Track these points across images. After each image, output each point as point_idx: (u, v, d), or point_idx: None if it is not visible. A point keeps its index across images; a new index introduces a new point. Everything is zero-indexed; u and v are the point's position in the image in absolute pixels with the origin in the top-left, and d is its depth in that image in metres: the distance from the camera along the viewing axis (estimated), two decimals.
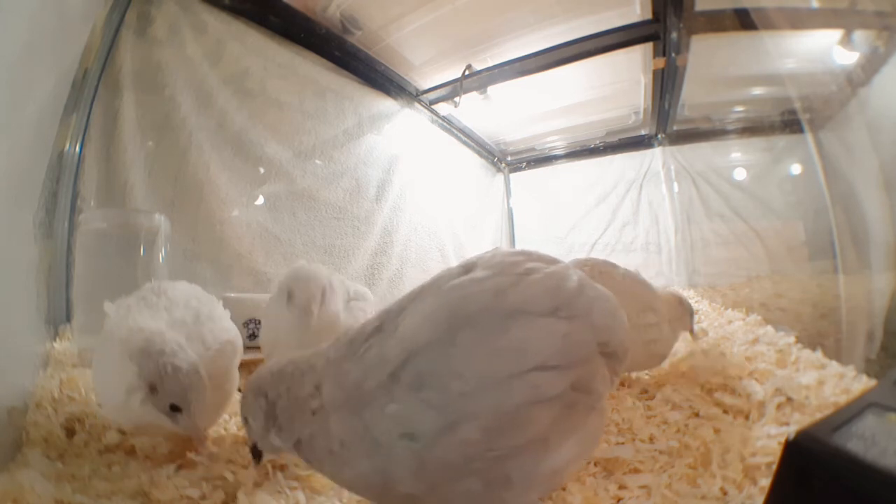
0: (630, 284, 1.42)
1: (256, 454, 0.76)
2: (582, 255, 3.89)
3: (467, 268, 0.71)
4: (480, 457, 0.58)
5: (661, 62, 2.57)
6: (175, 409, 0.87)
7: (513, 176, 4.29)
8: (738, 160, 3.37)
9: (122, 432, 1.16)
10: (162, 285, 1.09)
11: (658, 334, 1.39)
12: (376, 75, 2.72)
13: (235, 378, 1.14)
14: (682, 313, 1.48)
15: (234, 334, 1.12)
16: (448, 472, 0.59)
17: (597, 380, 0.67)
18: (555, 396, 0.60)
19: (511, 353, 0.60)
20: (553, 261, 0.74)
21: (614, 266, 1.49)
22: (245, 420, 0.74)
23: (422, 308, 0.64)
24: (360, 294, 1.37)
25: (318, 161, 2.51)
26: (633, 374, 1.51)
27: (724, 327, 2.10)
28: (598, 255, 3.84)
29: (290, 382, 0.69)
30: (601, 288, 0.76)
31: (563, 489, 0.87)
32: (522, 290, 0.64)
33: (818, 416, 1.09)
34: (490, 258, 0.72)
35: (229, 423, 1.23)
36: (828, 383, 1.28)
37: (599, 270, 1.42)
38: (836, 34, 2.01)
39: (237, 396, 1.16)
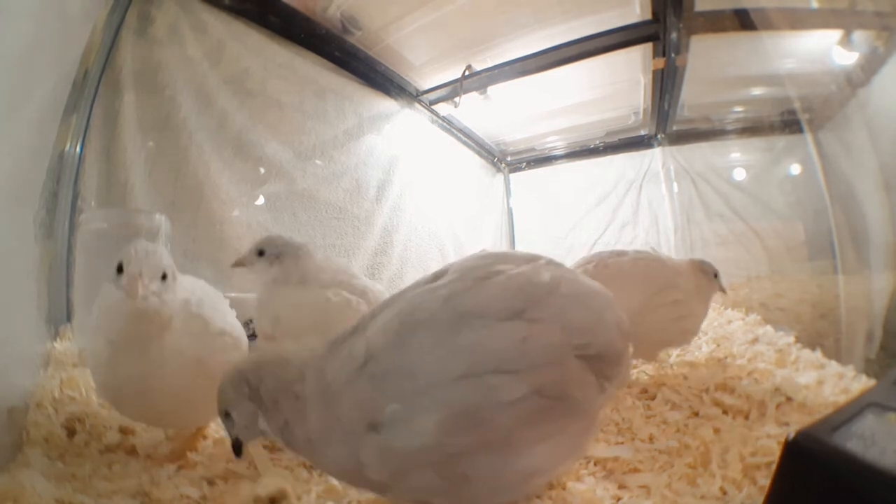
0: (642, 267, 1.40)
1: (238, 449, 0.77)
2: (582, 255, 3.91)
3: (438, 274, 0.72)
4: (436, 451, 0.59)
5: (660, 62, 2.57)
6: (119, 270, 0.87)
7: (513, 176, 4.29)
8: (737, 160, 3.38)
9: (122, 432, 1.16)
10: None
11: (687, 310, 1.37)
12: (376, 75, 2.72)
13: None
14: (706, 279, 1.46)
15: (237, 330, 1.12)
16: (406, 464, 0.61)
17: (572, 385, 0.64)
18: (515, 400, 0.59)
19: (463, 355, 0.60)
20: (528, 260, 0.73)
21: (622, 253, 1.47)
22: (226, 415, 0.74)
23: (387, 313, 0.68)
24: (362, 290, 1.33)
25: (318, 161, 2.51)
26: (634, 374, 1.51)
27: (723, 327, 2.10)
28: None
29: (274, 368, 0.72)
30: (588, 285, 0.73)
31: (563, 489, 0.87)
32: (475, 295, 0.65)
33: (818, 415, 1.10)
34: (460, 264, 0.73)
35: None
36: (827, 383, 1.29)
37: (605, 264, 1.41)
38: (835, 34, 2.01)
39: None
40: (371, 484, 0.67)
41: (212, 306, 1.07)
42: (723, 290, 1.52)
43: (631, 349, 0.79)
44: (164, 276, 0.90)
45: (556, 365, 0.63)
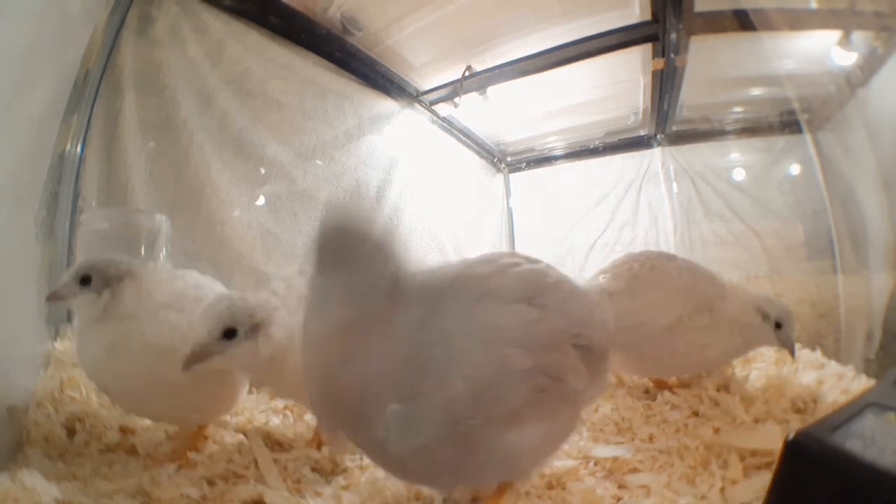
0: (687, 281, 1.26)
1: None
2: (580, 256, 3.90)
3: (467, 261, 0.80)
4: (462, 420, 0.63)
5: (660, 63, 2.57)
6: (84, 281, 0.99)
7: (512, 176, 4.29)
8: (736, 161, 3.38)
9: (123, 431, 1.16)
10: (178, 272, 1.13)
11: (710, 339, 1.22)
12: (377, 76, 2.73)
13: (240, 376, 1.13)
14: (759, 324, 1.24)
15: None
16: (438, 427, 0.63)
17: (568, 370, 0.73)
18: (524, 373, 0.67)
19: (485, 326, 0.67)
20: (538, 262, 0.83)
21: (671, 259, 1.34)
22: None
23: (431, 285, 0.73)
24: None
25: (318, 162, 2.52)
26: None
27: None
28: (597, 255, 3.84)
29: None
30: (580, 288, 0.84)
31: (563, 489, 0.87)
32: (501, 278, 0.73)
33: (817, 415, 1.10)
34: (487, 255, 0.82)
35: (230, 424, 1.24)
36: (827, 383, 1.29)
37: (651, 265, 1.28)
38: (834, 35, 2.01)
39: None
40: (391, 463, 0.69)
41: None
42: (789, 350, 1.21)
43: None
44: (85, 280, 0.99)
45: (557, 348, 0.72)
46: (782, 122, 2.79)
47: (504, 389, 0.65)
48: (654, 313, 1.20)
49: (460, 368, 0.63)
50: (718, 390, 1.27)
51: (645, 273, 1.27)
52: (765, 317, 1.24)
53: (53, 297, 1.01)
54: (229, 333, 0.89)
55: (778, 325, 1.23)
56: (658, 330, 1.19)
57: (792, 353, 1.23)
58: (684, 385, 1.36)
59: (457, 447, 0.64)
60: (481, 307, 0.68)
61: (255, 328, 0.91)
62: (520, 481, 0.84)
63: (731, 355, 1.32)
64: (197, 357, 0.86)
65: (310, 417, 1.30)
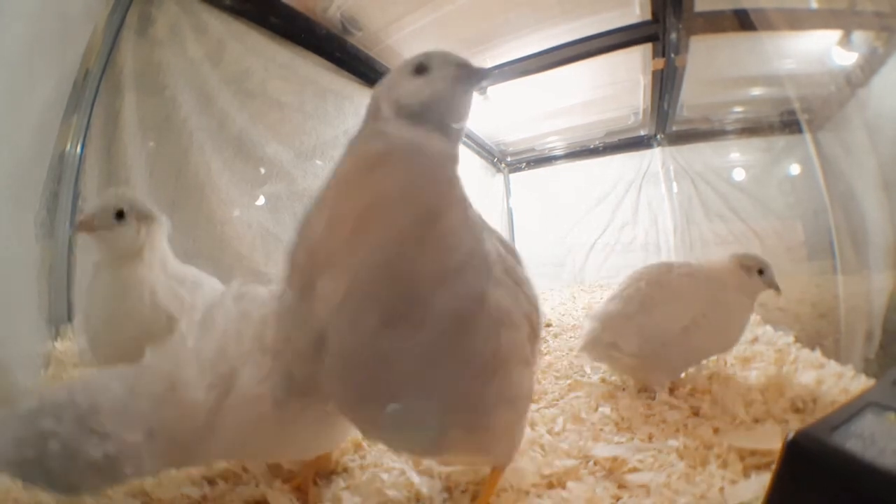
0: (689, 286, 1.35)
1: None
2: (580, 256, 3.91)
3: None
4: (480, 354, 0.66)
5: (660, 63, 2.58)
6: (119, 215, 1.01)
7: (512, 176, 4.30)
8: (736, 160, 3.38)
9: None
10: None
11: (722, 330, 1.34)
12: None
13: None
14: (750, 279, 1.35)
15: None
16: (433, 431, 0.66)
17: (536, 329, 0.80)
18: (525, 315, 0.74)
19: (507, 268, 0.74)
20: None
21: (668, 271, 1.40)
22: None
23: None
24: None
25: (318, 161, 2.52)
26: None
27: None
28: (597, 255, 3.85)
29: None
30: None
31: (563, 488, 0.87)
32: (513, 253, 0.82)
33: (817, 415, 1.10)
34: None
35: None
36: (826, 383, 1.29)
37: (657, 281, 1.36)
38: (835, 35, 2.02)
39: None
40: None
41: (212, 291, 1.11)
42: (774, 288, 1.37)
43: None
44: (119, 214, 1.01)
45: (530, 323, 0.78)
46: (782, 122, 2.79)
47: (517, 321, 0.72)
48: (669, 322, 1.30)
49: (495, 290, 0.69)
50: (718, 390, 1.28)
51: (653, 291, 1.36)
52: (748, 269, 1.36)
53: (84, 227, 0.94)
54: (119, 215, 1.01)
55: (760, 272, 1.36)
56: (675, 334, 1.29)
57: (778, 290, 1.38)
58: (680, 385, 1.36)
59: (464, 385, 0.66)
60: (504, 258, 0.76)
61: (141, 217, 1.04)
62: (508, 468, 0.84)
63: (740, 331, 1.40)
64: (87, 225, 0.96)
65: None
